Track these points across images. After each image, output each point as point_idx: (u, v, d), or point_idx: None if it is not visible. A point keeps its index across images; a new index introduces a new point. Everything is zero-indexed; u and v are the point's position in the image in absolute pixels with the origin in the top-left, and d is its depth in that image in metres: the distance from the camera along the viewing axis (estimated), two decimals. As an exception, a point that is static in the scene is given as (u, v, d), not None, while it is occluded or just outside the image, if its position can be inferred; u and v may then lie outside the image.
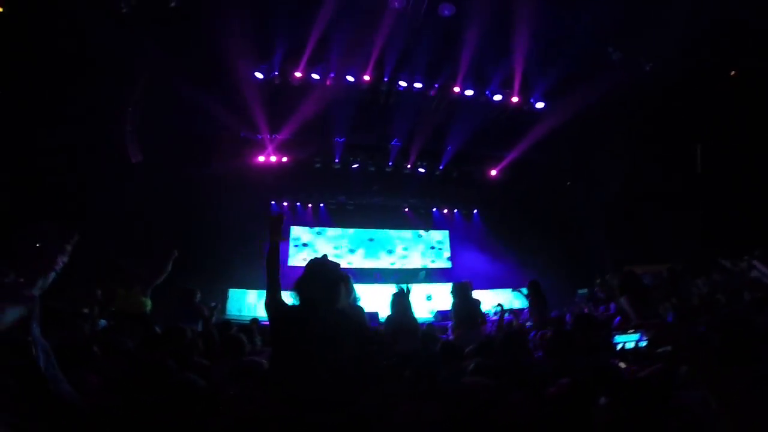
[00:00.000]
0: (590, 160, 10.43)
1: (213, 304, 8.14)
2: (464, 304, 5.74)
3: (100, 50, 5.93)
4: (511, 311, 6.88)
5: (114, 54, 6.11)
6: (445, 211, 12.86)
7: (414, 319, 4.73)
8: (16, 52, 5.49)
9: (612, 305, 7.78)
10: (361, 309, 4.83)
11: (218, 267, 9.56)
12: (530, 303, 6.42)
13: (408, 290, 4.82)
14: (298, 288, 2.46)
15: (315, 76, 8.25)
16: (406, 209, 12.64)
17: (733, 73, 7.75)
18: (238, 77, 7.78)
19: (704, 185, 8.40)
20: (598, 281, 8.61)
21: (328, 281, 2.46)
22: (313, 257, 2.63)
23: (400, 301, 4.73)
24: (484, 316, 6.43)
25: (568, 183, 11.51)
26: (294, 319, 2.35)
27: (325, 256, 2.72)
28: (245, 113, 8.82)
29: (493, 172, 11.41)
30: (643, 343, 4.44)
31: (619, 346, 4.44)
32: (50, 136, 5.98)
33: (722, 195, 7.98)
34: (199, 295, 5.55)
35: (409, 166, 10.91)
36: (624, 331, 4.61)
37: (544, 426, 2.27)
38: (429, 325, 7.29)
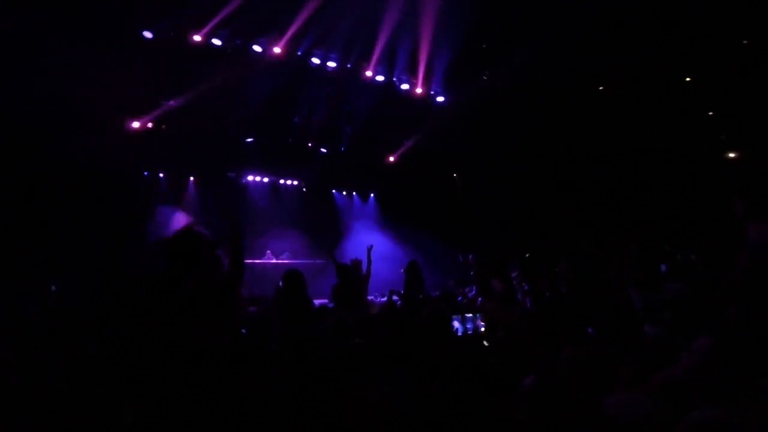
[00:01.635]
0: (474, 154, 11.26)
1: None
2: (346, 284, 5.79)
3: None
4: (399, 293, 7.17)
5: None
6: (344, 192, 12.78)
7: (305, 301, 4.61)
8: None
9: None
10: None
11: (83, 249, 8.23)
12: (405, 283, 6.76)
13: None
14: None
15: (216, 42, 7.35)
16: (304, 189, 12.27)
17: (601, 88, 9.04)
18: (121, 34, 6.56)
19: (580, 185, 9.71)
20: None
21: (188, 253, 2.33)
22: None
23: (292, 281, 4.56)
24: (364, 297, 6.58)
25: (455, 174, 12.30)
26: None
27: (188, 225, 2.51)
28: (122, 74, 7.52)
29: (392, 158, 11.63)
30: (482, 327, 4.94)
31: (461, 332, 4.86)
32: None
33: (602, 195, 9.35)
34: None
35: (309, 145, 10.52)
36: (459, 314, 5.06)
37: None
38: (321, 308, 7.24)
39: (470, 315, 5.12)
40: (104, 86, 7.43)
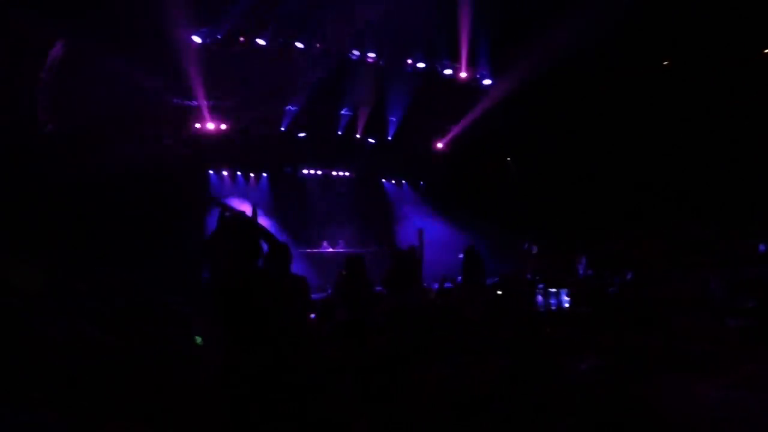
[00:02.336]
0: (526, 137, 10.87)
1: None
2: (401, 269, 5.82)
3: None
4: (453, 280, 7.14)
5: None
6: (393, 181, 12.91)
7: (366, 285, 4.74)
8: None
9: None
10: (303, 279, 4.76)
11: (154, 243, 9.02)
12: (462, 269, 6.66)
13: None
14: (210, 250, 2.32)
15: (260, 42, 7.73)
16: (355, 179, 12.56)
17: (666, 63, 8.31)
18: (172, 41, 7.12)
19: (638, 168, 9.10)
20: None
21: (245, 240, 2.29)
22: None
23: (354, 265, 4.70)
24: (419, 282, 6.56)
25: (508, 159, 11.96)
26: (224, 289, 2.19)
27: (242, 213, 2.51)
28: (179, 80, 8.16)
29: (440, 145, 11.56)
30: (567, 303, 4.76)
31: (543, 307, 4.71)
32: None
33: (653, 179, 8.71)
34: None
35: (357, 136, 10.75)
36: (545, 291, 4.89)
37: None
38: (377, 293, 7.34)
39: (554, 290, 4.99)
40: (161, 92, 8.12)
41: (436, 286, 8.19)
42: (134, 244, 8.65)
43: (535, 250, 9.57)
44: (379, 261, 10.62)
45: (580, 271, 7.60)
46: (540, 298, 4.93)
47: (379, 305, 4.66)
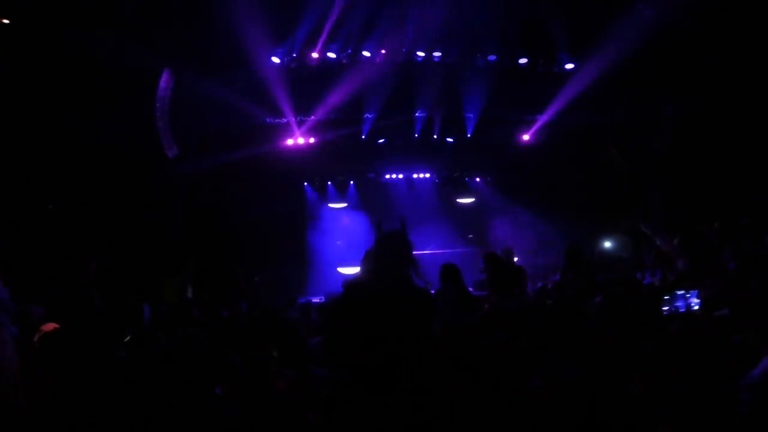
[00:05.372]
0: (627, 118, 9.85)
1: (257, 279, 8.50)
2: (499, 272, 5.64)
3: (111, 56, 6.17)
4: (555, 282, 6.76)
5: (125, 57, 6.35)
6: (477, 179, 12.61)
7: (465, 291, 4.78)
8: (22, 65, 5.72)
9: (658, 272, 7.47)
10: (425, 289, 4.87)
11: (255, 253, 9.92)
12: (563, 271, 6.22)
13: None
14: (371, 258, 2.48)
15: (331, 55, 8.19)
16: (437, 180, 12.52)
17: None
18: (255, 63, 7.86)
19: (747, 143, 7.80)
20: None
21: (396, 253, 2.44)
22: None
23: (452, 275, 4.78)
24: (522, 285, 6.29)
25: (606, 143, 10.95)
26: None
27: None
28: (267, 99, 8.94)
29: (526, 137, 11.02)
30: (696, 306, 4.20)
31: (667, 310, 4.19)
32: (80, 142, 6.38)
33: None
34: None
35: (435, 136, 10.74)
36: (674, 291, 4.35)
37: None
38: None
39: (681, 292, 4.58)
40: (254, 112, 8.97)
41: (537, 285, 7.82)
42: (247, 255, 9.63)
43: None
44: (471, 261, 10.49)
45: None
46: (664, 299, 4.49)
47: (482, 308, 4.70)
